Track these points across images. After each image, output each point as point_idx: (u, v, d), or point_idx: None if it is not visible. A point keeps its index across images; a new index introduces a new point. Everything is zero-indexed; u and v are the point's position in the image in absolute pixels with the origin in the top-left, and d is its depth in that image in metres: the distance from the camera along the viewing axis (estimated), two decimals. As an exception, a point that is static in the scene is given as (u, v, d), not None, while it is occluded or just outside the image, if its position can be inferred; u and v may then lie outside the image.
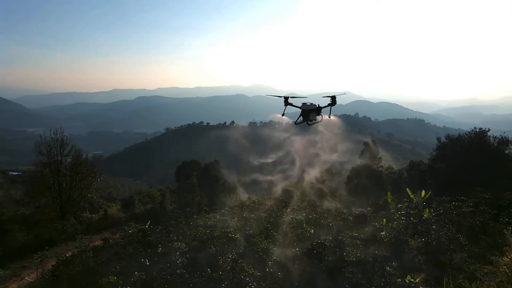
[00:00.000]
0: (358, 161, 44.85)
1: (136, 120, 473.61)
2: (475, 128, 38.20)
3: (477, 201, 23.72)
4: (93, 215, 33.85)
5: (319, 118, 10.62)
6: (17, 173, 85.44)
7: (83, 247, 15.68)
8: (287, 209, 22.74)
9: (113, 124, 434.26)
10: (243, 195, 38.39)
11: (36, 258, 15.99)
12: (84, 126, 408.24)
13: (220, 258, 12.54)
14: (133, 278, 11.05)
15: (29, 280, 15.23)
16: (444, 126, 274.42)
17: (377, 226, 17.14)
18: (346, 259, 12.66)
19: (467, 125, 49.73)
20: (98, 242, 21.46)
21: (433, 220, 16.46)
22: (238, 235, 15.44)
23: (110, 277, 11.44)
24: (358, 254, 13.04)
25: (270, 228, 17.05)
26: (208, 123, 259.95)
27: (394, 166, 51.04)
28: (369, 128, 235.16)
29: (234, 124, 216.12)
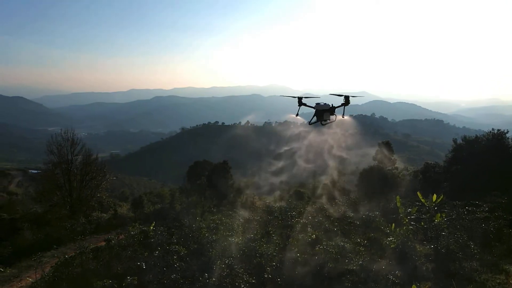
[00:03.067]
0: (372, 163, 43.96)
1: (152, 119, 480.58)
2: (493, 129, 36.80)
3: (492, 206, 22.71)
4: (103, 215, 34.05)
5: (333, 118, 10.67)
6: (36, 171, 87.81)
7: (83, 248, 15.65)
8: (294, 211, 22.28)
9: (130, 123, 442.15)
10: (253, 196, 38.04)
11: (34, 259, 16.07)
12: (102, 126, 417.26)
13: (217, 263, 12.23)
14: (124, 283, 10.84)
15: (31, 280, 15.28)
16: (464, 127, 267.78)
17: (385, 231, 16.55)
18: (346, 267, 12.15)
19: (487, 126, 48.04)
20: (103, 243, 21.43)
21: (444, 226, 15.72)
22: (239, 238, 15.10)
23: (105, 281, 11.34)
24: (360, 262, 12.51)
25: (272, 232, 16.69)
26: (223, 123, 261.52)
27: (409, 168, 49.84)
28: (385, 128, 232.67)
29: (249, 124, 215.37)
